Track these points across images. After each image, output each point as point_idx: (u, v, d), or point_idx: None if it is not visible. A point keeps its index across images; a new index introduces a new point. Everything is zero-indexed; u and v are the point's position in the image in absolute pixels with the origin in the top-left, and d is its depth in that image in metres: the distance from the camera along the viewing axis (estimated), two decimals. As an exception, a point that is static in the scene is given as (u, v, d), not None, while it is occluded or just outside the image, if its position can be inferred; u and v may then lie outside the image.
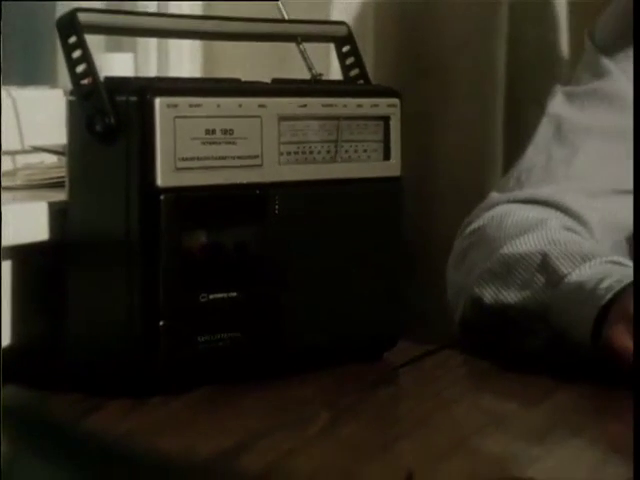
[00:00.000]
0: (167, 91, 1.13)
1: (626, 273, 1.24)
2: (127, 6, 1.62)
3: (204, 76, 1.66)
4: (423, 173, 1.71)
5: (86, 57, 1.13)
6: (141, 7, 1.65)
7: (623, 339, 1.17)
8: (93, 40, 1.36)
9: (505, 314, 1.32)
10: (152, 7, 1.65)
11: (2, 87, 1.43)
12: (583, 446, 1.09)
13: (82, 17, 1.14)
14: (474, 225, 1.42)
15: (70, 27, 1.14)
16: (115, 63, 1.43)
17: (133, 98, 1.12)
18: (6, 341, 1.20)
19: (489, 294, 1.33)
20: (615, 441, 1.10)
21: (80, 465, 0.62)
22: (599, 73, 1.48)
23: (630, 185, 1.43)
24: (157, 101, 1.11)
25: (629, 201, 1.44)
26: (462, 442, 1.07)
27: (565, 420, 1.14)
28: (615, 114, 1.46)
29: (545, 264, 1.29)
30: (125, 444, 0.98)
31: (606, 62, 1.48)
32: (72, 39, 1.14)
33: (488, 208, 1.44)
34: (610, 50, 1.49)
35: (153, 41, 1.64)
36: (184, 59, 1.65)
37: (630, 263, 1.29)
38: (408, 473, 0.90)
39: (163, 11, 1.65)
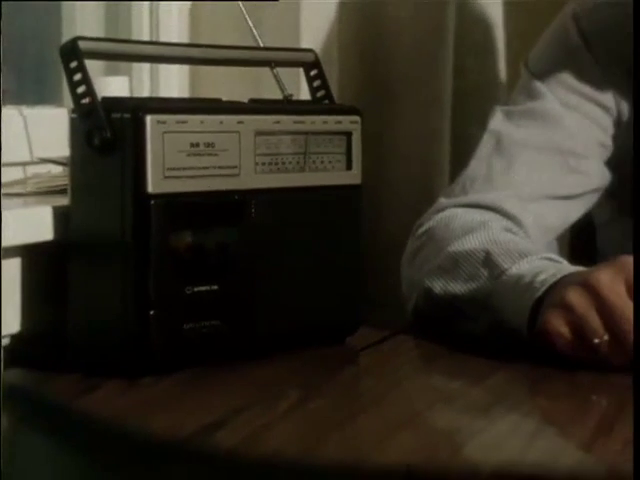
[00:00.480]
0: (157, 109, 1.12)
1: (558, 268, 1.22)
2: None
3: (190, 96, 1.65)
4: (380, 182, 1.70)
5: (85, 79, 1.12)
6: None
7: (556, 324, 1.16)
8: (93, 65, 1.36)
9: (452, 303, 1.31)
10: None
11: (15, 107, 1.43)
12: (519, 419, 1.07)
13: (82, 44, 1.13)
14: (425, 227, 1.41)
15: (71, 53, 1.13)
16: (112, 85, 1.42)
17: (127, 115, 1.11)
18: (16, 328, 1.19)
19: (439, 286, 1.32)
20: (547, 415, 1.10)
21: (75, 441, 0.60)
22: (533, 95, 1.47)
23: (558, 191, 1.43)
24: (148, 118, 1.10)
25: (558, 205, 1.43)
26: (415, 416, 1.06)
27: (504, 396, 1.13)
28: (547, 130, 1.45)
29: (488, 260, 1.28)
30: (118, 421, 0.96)
31: (539, 86, 1.47)
32: (73, 64, 1.12)
33: (437, 212, 1.43)
34: (542, 76, 1.48)
35: (146, 65, 1.62)
36: (173, 81, 1.64)
37: (560, 259, 1.28)
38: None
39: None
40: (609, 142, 1.47)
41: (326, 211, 1.26)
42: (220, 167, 1.16)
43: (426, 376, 1.27)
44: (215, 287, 1.16)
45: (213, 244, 1.16)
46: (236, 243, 1.17)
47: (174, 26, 1.65)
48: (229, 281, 1.17)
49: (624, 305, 1.13)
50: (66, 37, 1.44)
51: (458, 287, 1.31)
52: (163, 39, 1.64)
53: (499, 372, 1.18)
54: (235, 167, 1.17)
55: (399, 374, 1.22)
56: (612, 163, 1.48)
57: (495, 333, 1.26)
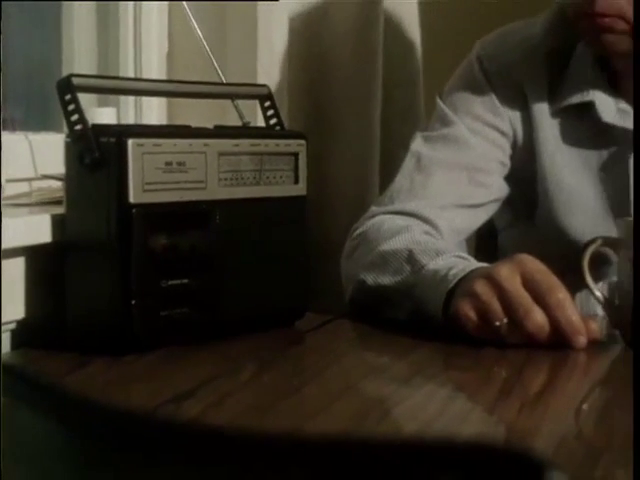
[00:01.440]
0: (137, 134, 1.10)
1: (467, 264, 1.22)
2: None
3: (167, 123, 1.63)
4: (323, 193, 1.69)
5: (78, 109, 1.10)
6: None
7: (465, 310, 1.15)
8: (88, 97, 1.34)
9: (382, 293, 1.30)
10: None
11: (23, 133, 1.41)
12: (435, 388, 1.07)
13: (75, 80, 1.11)
14: (359, 230, 1.40)
15: (66, 88, 1.10)
16: (103, 115, 1.40)
17: (112, 139, 1.09)
18: (21, 315, 1.17)
19: (371, 279, 1.31)
20: (458, 384, 1.09)
21: (62, 412, 0.57)
22: (446, 123, 1.47)
23: (466, 201, 1.43)
24: (129, 142, 1.08)
25: (466, 213, 1.43)
26: (350, 387, 1.06)
27: (423, 369, 1.12)
28: (457, 151, 1.45)
29: (410, 257, 1.27)
30: (102, 392, 0.95)
31: (450, 115, 1.46)
32: (68, 97, 1.10)
33: (369, 218, 1.42)
34: (453, 107, 1.47)
35: (131, 97, 1.60)
36: (153, 110, 1.62)
37: (469, 257, 1.27)
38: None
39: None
40: (507, 161, 1.47)
41: (277, 217, 1.24)
42: (190, 182, 1.14)
43: (360, 353, 1.26)
44: (186, 281, 1.14)
45: (184, 245, 1.14)
46: (203, 244, 1.16)
47: (154, 67, 1.63)
48: (198, 276, 1.15)
49: (519, 294, 1.13)
50: (66, 71, 1.43)
51: (386, 280, 1.30)
52: (146, 75, 1.62)
53: (419, 349, 1.17)
54: (202, 182, 1.15)
55: (338, 351, 1.22)
56: (509, 178, 1.47)
57: (416, 317, 1.25)
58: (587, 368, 1.11)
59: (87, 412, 0.57)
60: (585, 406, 1.00)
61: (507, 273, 1.14)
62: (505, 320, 1.13)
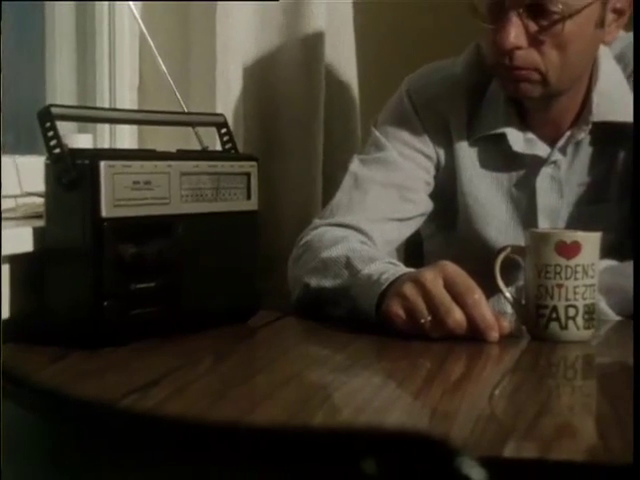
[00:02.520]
0: (109, 157, 1.09)
1: (397, 269, 1.21)
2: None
3: (137, 147, 1.60)
4: (273, 207, 1.67)
5: (56, 135, 1.08)
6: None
7: (394, 309, 1.14)
8: (68, 125, 1.32)
9: (323, 295, 1.29)
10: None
11: (11, 156, 1.38)
12: (369, 376, 1.06)
13: (54, 110, 1.09)
14: (304, 239, 1.39)
15: (46, 116, 1.08)
16: (81, 140, 1.37)
17: (86, 161, 1.07)
18: (6, 315, 1.15)
19: (314, 282, 1.30)
20: (388, 373, 1.08)
21: (36, 404, 0.55)
22: (379, 148, 1.46)
23: (397, 215, 1.42)
24: (102, 163, 1.07)
25: (397, 225, 1.43)
26: (297, 374, 1.04)
27: (359, 360, 1.11)
28: (389, 172, 1.44)
29: (348, 263, 1.26)
30: (77, 384, 0.93)
31: (383, 141, 1.45)
32: (47, 124, 1.08)
33: (313, 229, 1.40)
34: (386, 134, 1.46)
35: (106, 124, 1.58)
36: (126, 136, 1.60)
37: (398, 263, 1.26)
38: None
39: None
40: (431, 180, 1.46)
41: (232, 229, 1.23)
42: (155, 198, 1.12)
43: (304, 346, 1.25)
44: (152, 284, 1.12)
45: (151, 253, 1.12)
46: (167, 252, 1.14)
47: (127, 98, 1.61)
48: (163, 279, 1.14)
49: (441, 295, 1.12)
50: (50, 102, 1.41)
51: (327, 283, 1.28)
52: (119, 105, 1.60)
53: (356, 342, 1.16)
54: (166, 198, 1.14)
55: (285, 344, 1.20)
56: (434, 195, 1.47)
57: (353, 315, 1.24)
58: (499, 359, 1.11)
59: (57, 401, 0.55)
60: (497, 391, 0.99)
61: (431, 277, 1.14)
62: (429, 317, 1.12)
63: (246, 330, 1.24)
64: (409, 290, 1.14)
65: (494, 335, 1.11)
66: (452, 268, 1.14)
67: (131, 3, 1.33)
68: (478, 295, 1.12)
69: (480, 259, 1.22)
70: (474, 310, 1.11)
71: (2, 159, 1.33)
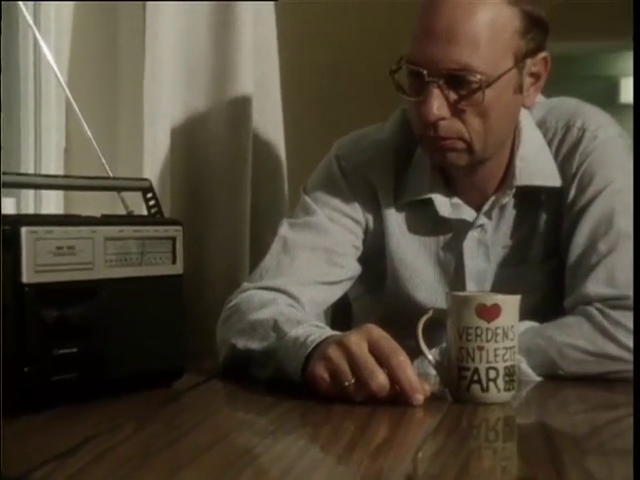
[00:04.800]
0: (31, 223, 1.10)
1: (323, 332, 1.24)
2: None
3: (63, 211, 1.61)
4: (200, 270, 1.69)
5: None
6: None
7: (319, 372, 1.16)
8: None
9: (250, 356, 1.30)
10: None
11: None
12: (294, 439, 1.07)
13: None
14: (233, 302, 1.41)
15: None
16: (4, 205, 1.37)
17: (8, 227, 1.08)
18: None
19: (241, 343, 1.32)
20: (312, 437, 1.09)
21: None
22: (308, 212, 1.49)
23: (325, 279, 1.44)
24: (23, 230, 1.08)
25: (325, 289, 1.45)
26: (222, 438, 1.05)
27: (284, 423, 1.12)
28: (317, 236, 1.46)
29: (275, 326, 1.28)
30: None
31: (312, 205, 1.48)
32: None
33: (241, 292, 1.43)
34: (315, 198, 1.49)
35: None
36: (51, 200, 1.60)
37: (325, 326, 1.28)
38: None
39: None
40: (360, 244, 1.49)
41: (157, 292, 1.24)
42: (78, 263, 1.14)
43: (229, 409, 1.26)
44: (75, 349, 1.13)
45: (74, 318, 1.13)
46: (90, 317, 1.15)
47: (53, 161, 1.62)
48: (85, 344, 1.14)
49: (365, 357, 1.14)
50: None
51: (255, 345, 1.30)
52: (45, 168, 1.60)
53: (279, 406, 1.17)
54: (90, 263, 1.15)
55: (210, 408, 1.21)
56: (362, 258, 1.50)
57: (278, 377, 1.25)
58: (421, 421, 1.12)
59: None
60: (420, 454, 1.01)
61: (355, 339, 1.16)
62: (352, 380, 1.14)
63: (171, 394, 1.24)
64: (333, 352, 1.16)
65: (419, 398, 1.13)
66: (377, 331, 1.17)
67: (56, 68, 1.34)
68: (403, 357, 1.14)
69: (409, 321, 1.24)
70: (399, 372, 1.13)
71: None
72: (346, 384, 1.14)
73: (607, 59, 5.44)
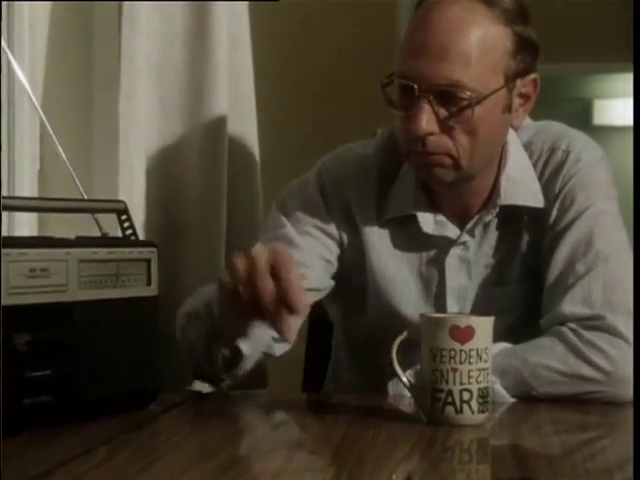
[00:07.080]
0: (4, 245, 1.09)
1: None
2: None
3: (37, 233, 1.60)
4: (174, 292, 1.68)
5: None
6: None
7: (223, 275, 1.18)
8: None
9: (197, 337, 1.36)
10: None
11: None
12: (269, 462, 1.05)
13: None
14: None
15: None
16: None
17: (-20, 250, 1.08)
18: None
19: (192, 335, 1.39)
20: (287, 462, 1.07)
21: None
22: (279, 226, 1.48)
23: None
24: (-5, 252, 1.08)
25: None
26: (198, 460, 1.04)
27: (261, 445, 1.13)
28: (287, 249, 1.45)
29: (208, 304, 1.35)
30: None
31: (284, 219, 1.48)
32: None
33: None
34: (286, 213, 1.49)
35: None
36: (24, 222, 1.60)
37: None
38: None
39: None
40: (333, 259, 1.49)
41: (132, 314, 1.23)
42: (52, 286, 1.13)
43: (205, 431, 1.22)
44: (48, 372, 1.12)
45: (47, 341, 1.12)
46: (64, 340, 1.14)
47: (27, 183, 1.62)
48: (59, 367, 1.14)
49: (260, 262, 1.14)
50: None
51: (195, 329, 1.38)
52: (19, 190, 1.60)
53: (256, 427, 1.17)
54: (64, 285, 1.15)
55: (185, 431, 1.21)
56: (342, 275, 1.49)
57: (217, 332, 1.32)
58: (394, 443, 1.12)
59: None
60: (393, 477, 1.00)
61: (259, 248, 1.17)
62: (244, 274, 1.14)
63: (145, 416, 1.23)
64: (236, 258, 1.16)
65: (297, 307, 1.13)
66: (282, 248, 1.18)
67: (30, 91, 1.34)
68: (292, 275, 1.14)
69: (392, 337, 1.24)
70: (286, 285, 1.13)
71: None
72: (239, 287, 1.14)
73: (580, 81, 5.48)
